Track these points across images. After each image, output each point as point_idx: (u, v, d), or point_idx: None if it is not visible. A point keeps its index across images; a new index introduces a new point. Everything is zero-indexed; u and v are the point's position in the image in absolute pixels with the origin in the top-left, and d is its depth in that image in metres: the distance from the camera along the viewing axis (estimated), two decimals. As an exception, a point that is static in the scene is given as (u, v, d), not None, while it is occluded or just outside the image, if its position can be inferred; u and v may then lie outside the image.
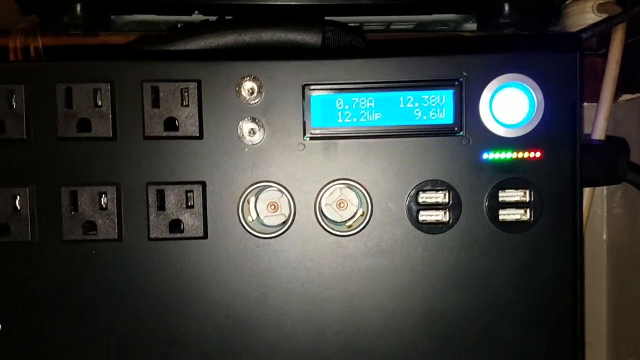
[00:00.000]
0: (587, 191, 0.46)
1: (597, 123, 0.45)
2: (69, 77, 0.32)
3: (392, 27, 0.51)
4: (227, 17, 0.46)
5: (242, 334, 0.33)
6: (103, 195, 0.32)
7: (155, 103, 0.32)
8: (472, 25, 0.50)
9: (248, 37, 0.39)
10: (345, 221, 0.34)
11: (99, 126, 0.32)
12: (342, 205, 0.34)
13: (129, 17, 0.49)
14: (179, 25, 0.50)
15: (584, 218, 0.46)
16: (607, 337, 0.53)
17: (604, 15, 0.47)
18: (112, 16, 0.49)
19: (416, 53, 0.32)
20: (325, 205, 0.34)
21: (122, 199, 0.32)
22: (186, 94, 0.32)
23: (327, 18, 0.47)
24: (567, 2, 0.49)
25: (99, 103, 0.32)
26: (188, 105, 0.32)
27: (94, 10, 0.46)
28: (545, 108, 0.32)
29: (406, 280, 0.33)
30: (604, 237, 0.53)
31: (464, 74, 0.32)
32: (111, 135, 0.32)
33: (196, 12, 0.48)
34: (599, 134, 0.44)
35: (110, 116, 0.32)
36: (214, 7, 0.47)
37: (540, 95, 0.32)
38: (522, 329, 0.33)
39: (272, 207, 0.34)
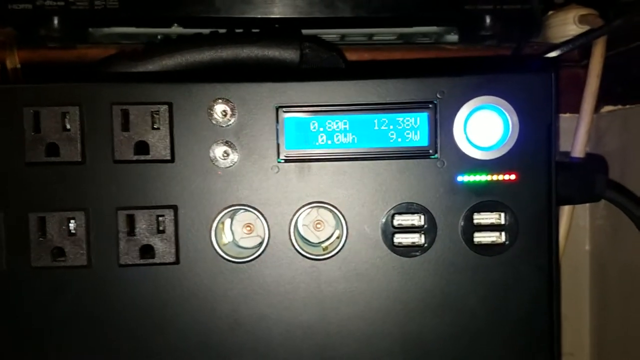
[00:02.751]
0: (567, 206, 0.46)
1: (578, 137, 0.44)
2: (37, 100, 0.31)
3: (374, 38, 0.50)
4: (204, 31, 0.45)
5: (216, 360, 0.32)
6: (72, 221, 0.31)
7: (125, 126, 0.31)
8: (453, 37, 0.50)
9: (225, 53, 0.39)
10: (322, 242, 0.34)
11: (68, 150, 0.31)
12: (319, 226, 0.34)
13: (107, 30, 0.49)
14: (158, 37, 0.49)
15: (565, 231, 0.46)
16: (589, 348, 0.53)
17: (586, 27, 0.46)
18: (90, 29, 0.48)
19: (391, 75, 0.32)
20: (302, 226, 0.34)
21: (91, 225, 0.32)
22: (157, 116, 0.32)
23: (309, 31, 0.46)
24: (549, 13, 0.49)
25: (68, 127, 0.31)
26: (159, 128, 0.32)
27: (72, 23, 0.45)
28: (520, 130, 0.32)
29: (382, 304, 0.33)
30: (587, 248, 0.53)
31: (439, 96, 0.32)
32: (80, 160, 0.31)
33: (175, 24, 0.48)
34: (579, 148, 0.44)
35: (79, 140, 0.31)
36: (193, 19, 0.46)
37: (515, 117, 0.31)
38: (498, 352, 0.33)
39: (248, 228, 0.34)
